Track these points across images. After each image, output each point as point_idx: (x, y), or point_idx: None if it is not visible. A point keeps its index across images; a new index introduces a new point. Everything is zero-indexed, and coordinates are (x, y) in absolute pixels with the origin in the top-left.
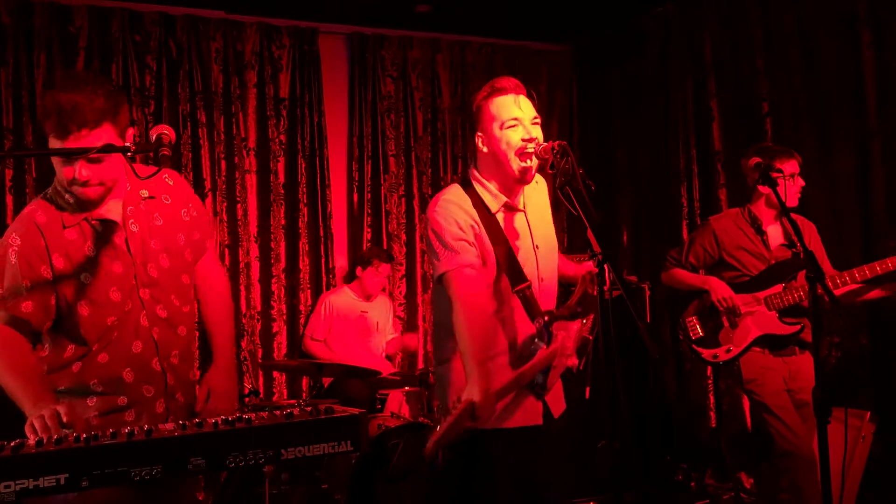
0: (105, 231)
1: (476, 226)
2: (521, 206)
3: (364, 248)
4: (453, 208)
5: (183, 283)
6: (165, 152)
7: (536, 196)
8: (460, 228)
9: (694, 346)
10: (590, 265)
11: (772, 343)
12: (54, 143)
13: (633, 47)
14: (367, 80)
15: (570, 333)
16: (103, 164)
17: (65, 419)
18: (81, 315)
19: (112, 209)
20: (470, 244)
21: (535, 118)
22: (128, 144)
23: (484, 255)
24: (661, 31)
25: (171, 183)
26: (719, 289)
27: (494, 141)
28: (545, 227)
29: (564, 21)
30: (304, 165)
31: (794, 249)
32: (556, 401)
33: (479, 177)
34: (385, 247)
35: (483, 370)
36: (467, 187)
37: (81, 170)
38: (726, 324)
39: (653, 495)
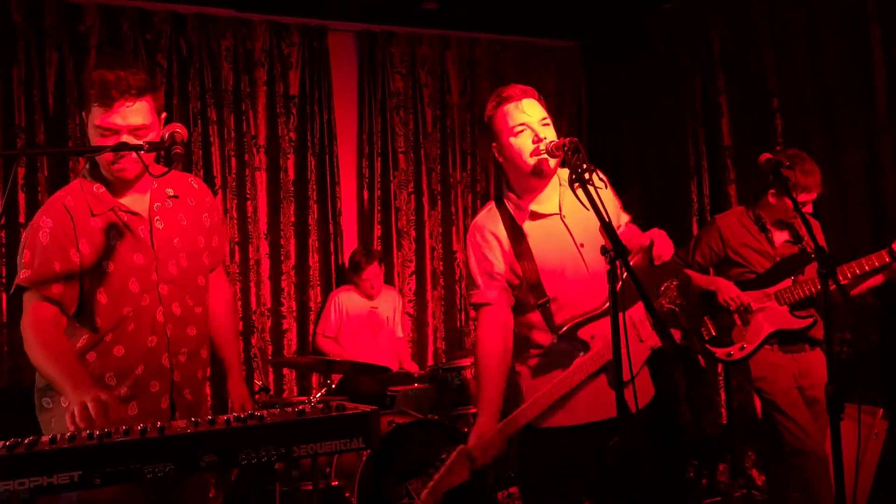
0: (130, 223)
1: (505, 245)
2: (552, 211)
3: (374, 245)
4: (479, 236)
5: (198, 285)
6: (178, 150)
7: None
8: (485, 258)
9: (707, 345)
10: (638, 236)
11: (783, 339)
12: (96, 113)
13: (641, 44)
14: (376, 77)
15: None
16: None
17: (112, 405)
18: (99, 302)
19: (138, 203)
20: (495, 275)
21: (544, 119)
22: (142, 143)
23: (514, 271)
24: (669, 27)
25: (195, 187)
26: (726, 289)
27: (507, 149)
28: (594, 222)
29: (573, 18)
30: (313, 162)
31: (799, 245)
32: (640, 390)
33: (506, 190)
34: (394, 243)
35: (484, 416)
36: (500, 203)
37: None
38: (738, 321)
39: (663, 492)
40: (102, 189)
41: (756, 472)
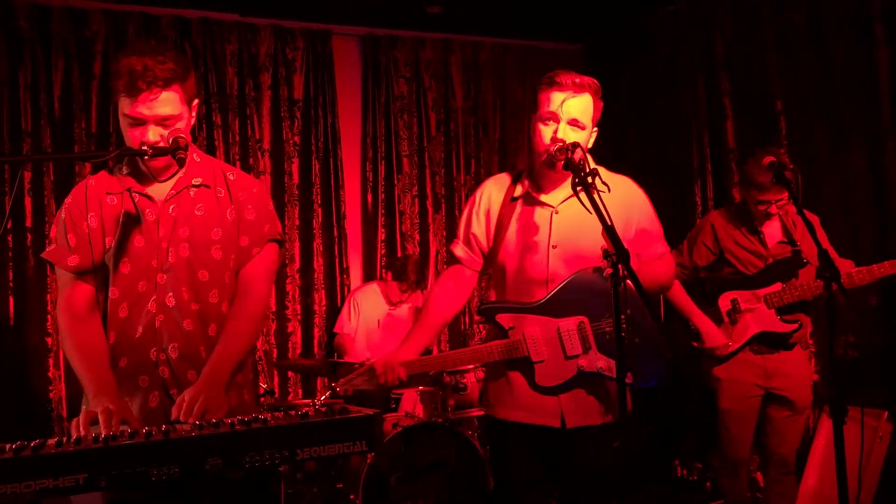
0: (140, 205)
1: (493, 214)
2: (550, 203)
3: (378, 248)
4: (481, 196)
5: (197, 279)
6: (181, 155)
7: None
8: (476, 219)
9: (694, 342)
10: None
11: (761, 340)
12: (124, 103)
13: (645, 45)
14: (380, 80)
15: (544, 331)
16: (172, 130)
17: (115, 420)
18: (97, 279)
19: (159, 188)
20: (476, 239)
21: (576, 121)
22: (145, 148)
23: (488, 239)
24: (671, 28)
25: (231, 178)
26: (713, 337)
27: (532, 130)
28: (578, 231)
29: (575, 20)
30: (318, 166)
31: (793, 248)
32: (576, 411)
33: (528, 164)
34: (398, 247)
35: (403, 348)
36: (515, 174)
37: (149, 133)
38: (726, 319)
39: (667, 495)
40: (128, 170)
41: (761, 475)
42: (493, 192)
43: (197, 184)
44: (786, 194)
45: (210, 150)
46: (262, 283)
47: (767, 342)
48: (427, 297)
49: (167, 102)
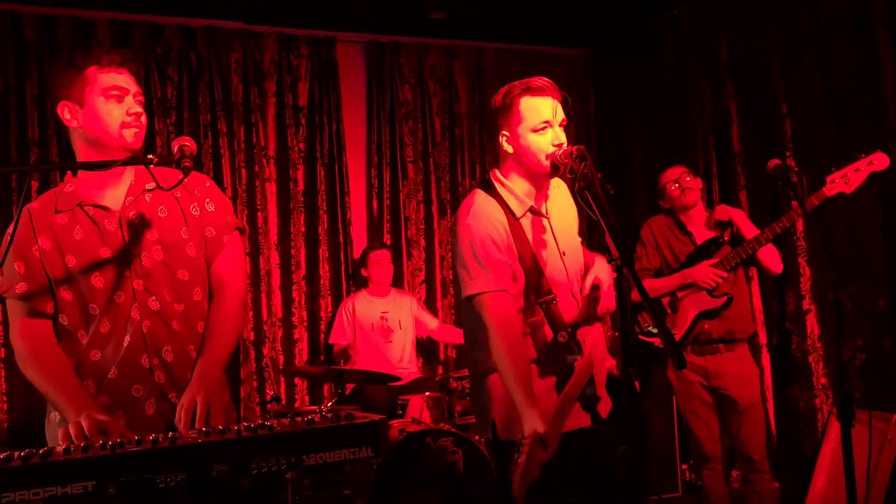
0: (97, 217)
1: (507, 234)
2: (544, 211)
3: None
4: (487, 221)
5: (178, 279)
6: (187, 164)
7: (559, 199)
8: (496, 245)
9: (641, 336)
10: (602, 265)
11: (697, 340)
12: (102, 79)
13: (649, 50)
14: (384, 87)
15: (597, 336)
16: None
17: (98, 427)
18: (63, 300)
19: (110, 197)
20: (505, 264)
21: (563, 122)
22: (150, 157)
23: (513, 265)
24: (676, 33)
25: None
26: (699, 273)
27: (524, 142)
28: (568, 232)
29: (579, 25)
30: (323, 173)
31: (714, 233)
32: (603, 401)
33: (503, 178)
34: (404, 253)
35: (532, 398)
36: (490, 191)
37: (131, 106)
38: (668, 310)
39: (673, 499)
40: (72, 187)
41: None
42: (498, 216)
43: (150, 188)
44: (685, 168)
45: (216, 157)
46: (238, 275)
47: (701, 341)
48: (502, 340)
49: (135, 82)
